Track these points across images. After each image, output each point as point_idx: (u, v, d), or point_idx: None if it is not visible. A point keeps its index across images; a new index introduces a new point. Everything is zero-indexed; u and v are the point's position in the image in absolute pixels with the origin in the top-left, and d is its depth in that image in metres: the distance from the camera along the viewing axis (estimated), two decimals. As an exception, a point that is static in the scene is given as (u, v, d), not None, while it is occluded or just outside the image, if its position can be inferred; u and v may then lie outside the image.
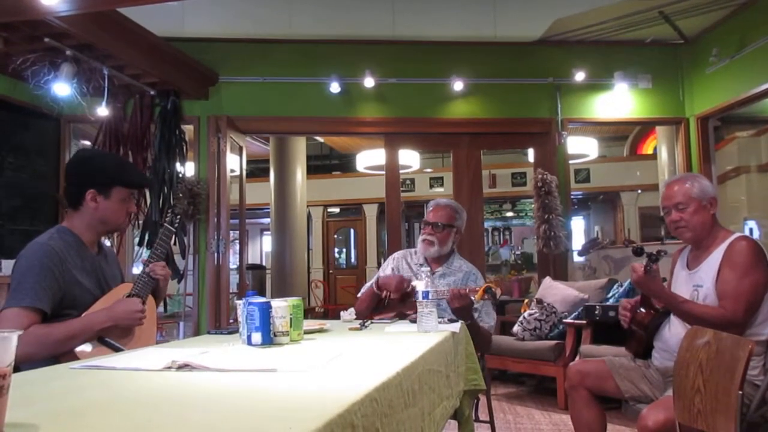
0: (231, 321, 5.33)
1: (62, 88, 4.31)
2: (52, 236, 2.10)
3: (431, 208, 3.04)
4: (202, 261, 5.39)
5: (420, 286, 2.67)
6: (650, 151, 11.41)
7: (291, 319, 1.84)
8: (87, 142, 5.88)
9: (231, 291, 5.93)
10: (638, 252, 2.49)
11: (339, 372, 1.36)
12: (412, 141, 6.46)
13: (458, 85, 5.69)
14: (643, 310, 2.51)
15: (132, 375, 1.37)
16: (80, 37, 4.16)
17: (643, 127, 10.55)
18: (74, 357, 1.89)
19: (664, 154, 7.40)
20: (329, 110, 5.78)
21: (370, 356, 1.66)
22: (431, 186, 11.92)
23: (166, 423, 0.95)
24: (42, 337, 1.86)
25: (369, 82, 5.56)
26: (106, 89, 4.66)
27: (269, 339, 1.76)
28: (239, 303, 1.88)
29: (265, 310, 1.75)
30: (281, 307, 1.81)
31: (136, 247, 5.48)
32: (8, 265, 4.66)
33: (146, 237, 5.07)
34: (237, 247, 6.10)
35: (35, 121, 5.18)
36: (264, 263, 13.26)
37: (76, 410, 1.04)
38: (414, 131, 6.03)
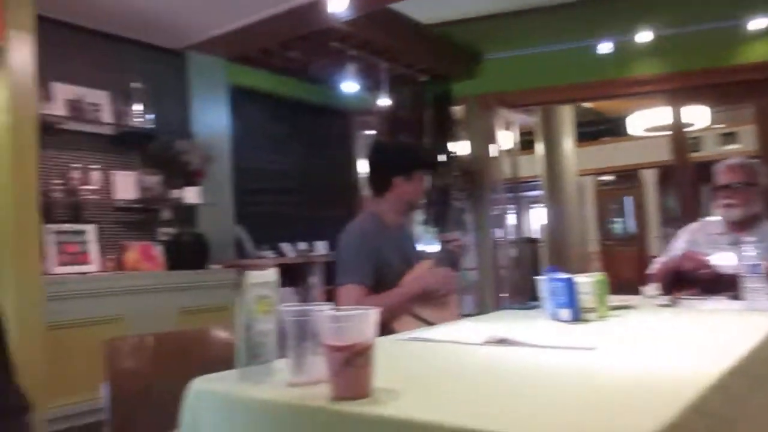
0: (503, 295, 5.43)
1: (349, 86, 4.78)
2: (365, 220, 2.35)
3: (723, 169, 2.65)
4: (480, 236, 5.55)
5: (722, 260, 2.36)
6: None
7: (596, 295, 1.78)
8: (370, 132, 6.45)
9: (505, 265, 6.00)
10: None
11: (672, 354, 1.26)
12: (699, 96, 5.73)
13: (757, 24, 4.86)
14: None
15: (454, 348, 1.45)
16: (361, 38, 4.57)
17: None
18: (392, 330, 2.08)
19: None
20: (599, 73, 5.43)
21: (696, 337, 1.52)
22: (723, 143, 10.48)
23: (514, 395, 0.98)
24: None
25: (644, 36, 5.08)
26: (384, 82, 5.04)
27: (577, 315, 1.72)
28: (541, 279, 1.88)
29: (571, 286, 1.72)
30: (586, 282, 1.76)
31: (420, 226, 5.87)
32: (320, 245, 5.37)
33: (429, 216, 5.39)
34: (510, 220, 6.14)
35: (328, 118, 5.86)
36: (533, 236, 13.13)
37: (420, 378, 1.13)
38: (702, 84, 5.35)
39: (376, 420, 0.89)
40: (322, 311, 1.01)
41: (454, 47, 5.46)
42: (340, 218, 5.87)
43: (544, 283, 1.83)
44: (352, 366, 0.95)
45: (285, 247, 5.16)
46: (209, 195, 4.46)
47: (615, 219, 13.22)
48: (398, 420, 0.87)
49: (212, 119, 4.70)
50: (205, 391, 1.13)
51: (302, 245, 5.30)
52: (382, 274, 2.23)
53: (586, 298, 1.76)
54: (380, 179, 2.36)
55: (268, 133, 5.33)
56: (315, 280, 5.11)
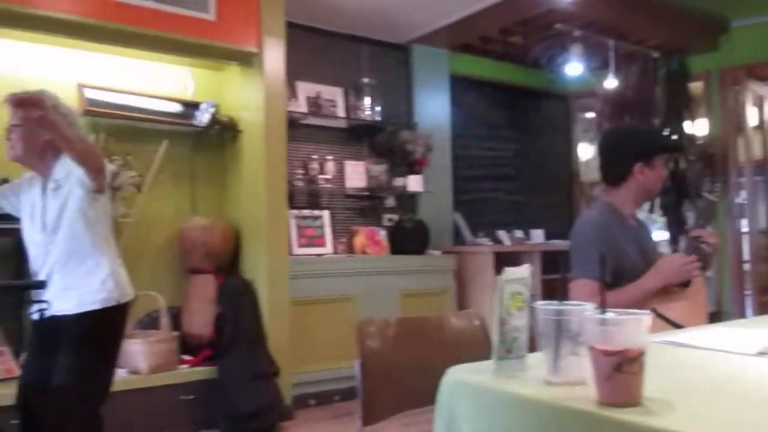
0: (746, 292, 4.86)
1: (573, 68, 4.58)
2: (599, 211, 2.23)
3: None
4: (720, 226, 4.98)
5: None
6: None
7: None
8: (590, 114, 6.13)
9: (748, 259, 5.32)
10: None
11: None
12: None
13: None
14: None
15: (722, 357, 1.31)
16: (586, 16, 4.33)
17: None
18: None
19: None
20: None
21: None
22: None
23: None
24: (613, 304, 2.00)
25: None
26: (610, 61, 4.74)
27: None
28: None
29: None
30: None
31: (646, 214, 5.45)
32: (536, 234, 5.26)
33: (659, 203, 4.97)
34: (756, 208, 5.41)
35: (546, 103, 5.68)
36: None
37: (692, 389, 1.05)
38: None
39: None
40: (588, 313, 0.98)
41: (694, 17, 4.92)
42: (558, 206, 5.73)
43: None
44: (622, 372, 0.91)
45: (501, 234, 5.13)
46: (430, 183, 4.61)
47: None
48: (678, 435, 0.81)
49: (434, 109, 4.83)
50: (461, 380, 1.16)
51: (518, 233, 5.23)
52: (619, 268, 2.11)
53: None
54: (617, 167, 2.21)
55: (485, 119, 5.33)
56: (531, 269, 5.01)
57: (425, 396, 1.77)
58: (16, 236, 2.23)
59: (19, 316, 3.04)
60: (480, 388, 1.12)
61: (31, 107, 1.89)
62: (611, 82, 4.93)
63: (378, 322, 1.83)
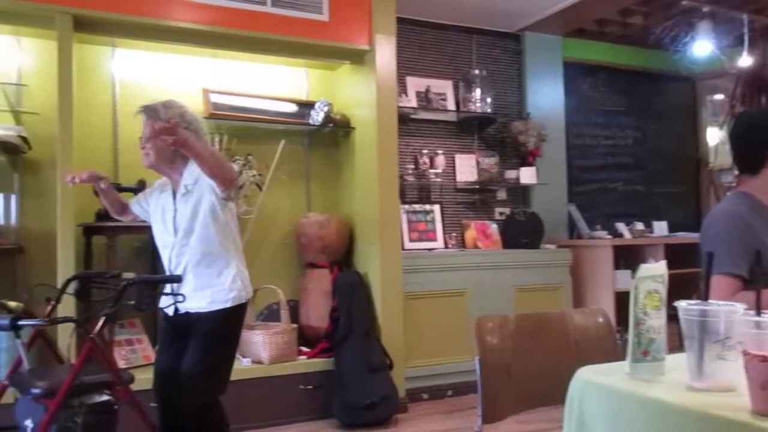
0: None
1: (702, 47, 4.26)
2: (734, 202, 2.05)
3: None
4: None
5: None
6: None
7: None
8: (720, 97, 5.67)
9: None
10: None
11: None
12: None
13: None
14: None
15: None
16: (716, -10, 4.02)
17: None
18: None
19: None
20: None
21: None
22: None
23: None
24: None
25: None
26: (745, 37, 4.35)
27: None
28: None
29: None
30: None
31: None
32: (659, 226, 4.95)
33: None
34: None
35: (669, 86, 5.33)
36: None
37: None
38: None
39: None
40: (740, 315, 0.90)
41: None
42: (684, 195, 5.37)
43: None
44: (782, 380, 0.82)
45: (620, 226, 4.87)
46: (543, 174, 4.47)
47: None
48: None
49: (547, 98, 4.67)
50: (593, 382, 1.11)
51: (639, 225, 4.94)
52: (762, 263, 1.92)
53: None
54: (754, 153, 2.01)
55: (602, 106, 5.09)
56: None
57: (547, 395, 1.71)
58: (152, 234, 2.39)
59: (156, 308, 3.27)
60: (614, 391, 1.06)
61: (166, 134, 2.03)
62: (745, 61, 4.53)
63: (497, 318, 1.79)
